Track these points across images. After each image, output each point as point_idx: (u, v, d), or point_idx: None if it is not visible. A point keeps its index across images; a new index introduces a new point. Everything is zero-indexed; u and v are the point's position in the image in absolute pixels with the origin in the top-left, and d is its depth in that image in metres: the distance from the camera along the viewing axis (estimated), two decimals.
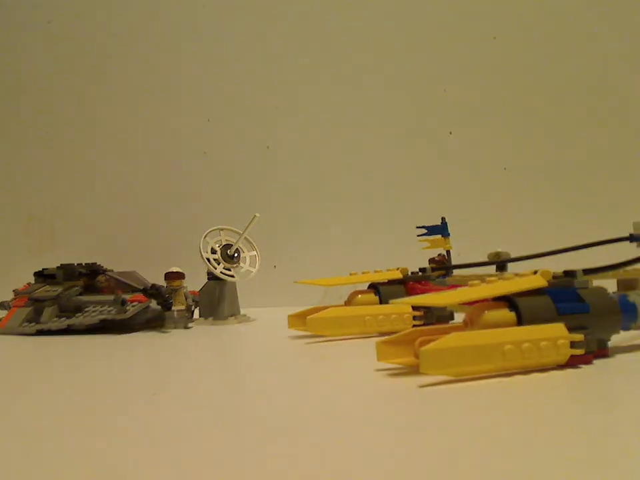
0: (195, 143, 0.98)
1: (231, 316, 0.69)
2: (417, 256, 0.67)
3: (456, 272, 0.64)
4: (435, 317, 0.52)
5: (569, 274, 0.37)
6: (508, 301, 0.35)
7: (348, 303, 0.55)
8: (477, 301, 0.36)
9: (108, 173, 1.01)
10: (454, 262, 0.68)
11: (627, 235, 0.58)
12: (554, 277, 0.37)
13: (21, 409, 0.32)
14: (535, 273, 0.37)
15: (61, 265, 0.72)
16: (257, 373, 0.41)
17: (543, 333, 0.33)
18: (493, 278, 0.37)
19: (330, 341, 0.51)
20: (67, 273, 0.71)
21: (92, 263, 0.73)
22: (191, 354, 0.51)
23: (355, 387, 0.34)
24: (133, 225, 0.98)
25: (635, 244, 0.57)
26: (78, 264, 0.73)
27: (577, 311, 0.35)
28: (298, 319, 0.53)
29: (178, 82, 0.99)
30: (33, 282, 0.73)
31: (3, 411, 0.32)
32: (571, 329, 0.34)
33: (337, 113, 0.95)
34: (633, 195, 0.84)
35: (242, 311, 0.72)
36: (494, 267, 0.64)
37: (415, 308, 0.51)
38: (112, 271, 0.72)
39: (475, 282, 0.36)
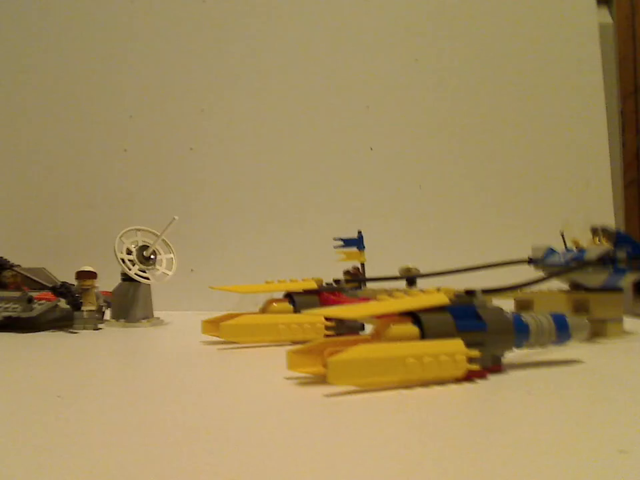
0: (115, 139, 0.96)
1: (144, 318, 0.68)
2: (332, 267, 0.69)
3: (368, 285, 0.67)
4: (346, 328, 0.54)
5: (469, 293, 0.40)
6: (413, 316, 0.38)
7: (263, 310, 0.56)
8: (384, 315, 0.38)
9: (22, 163, 0.97)
10: (368, 275, 0.70)
11: (526, 258, 0.63)
12: (456, 295, 0.39)
13: None
14: (439, 290, 0.39)
15: None
16: (165, 377, 0.41)
17: (443, 348, 0.36)
18: (400, 293, 0.39)
19: (243, 347, 0.51)
20: None
21: None
22: (98, 356, 0.50)
23: (263, 393, 0.35)
24: (44, 219, 0.94)
25: (532, 266, 0.62)
26: None
27: (474, 328, 0.38)
28: (212, 325, 0.53)
29: (101, 75, 0.97)
30: None
31: None
32: (468, 345, 0.37)
33: (256, 118, 0.95)
34: (536, 218, 0.90)
35: (156, 314, 0.71)
36: (404, 281, 0.67)
37: (327, 318, 0.52)
38: (19, 266, 0.69)
39: (383, 297, 0.38)
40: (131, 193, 0.95)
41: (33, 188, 0.96)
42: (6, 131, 0.97)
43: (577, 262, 0.56)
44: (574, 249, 0.59)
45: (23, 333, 0.60)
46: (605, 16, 1.01)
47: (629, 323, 0.65)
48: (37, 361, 0.47)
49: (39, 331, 0.61)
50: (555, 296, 0.57)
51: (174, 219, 0.69)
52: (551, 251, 0.61)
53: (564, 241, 0.60)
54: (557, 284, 0.60)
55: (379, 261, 0.76)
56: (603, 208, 0.91)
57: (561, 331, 0.42)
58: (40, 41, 0.97)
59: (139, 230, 0.71)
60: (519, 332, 0.40)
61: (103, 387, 0.37)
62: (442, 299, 0.38)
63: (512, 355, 0.42)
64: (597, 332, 0.57)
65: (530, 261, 0.62)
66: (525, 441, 0.25)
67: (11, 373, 0.41)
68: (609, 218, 0.90)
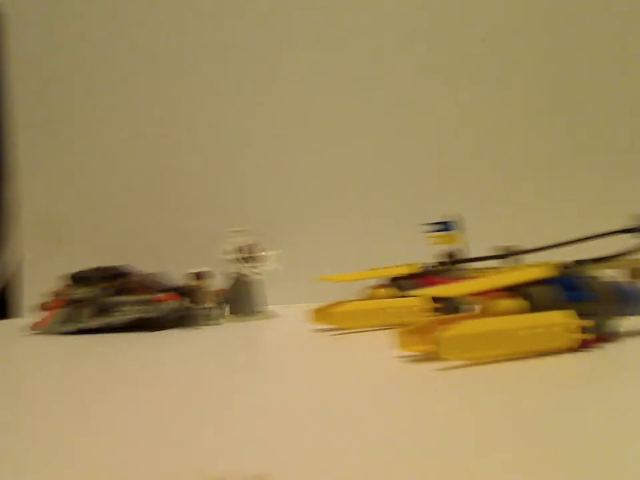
0: (209, 144, 1.01)
1: (258, 312, 0.73)
2: (427, 252, 0.69)
3: (472, 265, 0.67)
4: (455, 309, 0.54)
5: (579, 263, 0.40)
6: (520, 290, 0.38)
7: (370, 297, 0.58)
8: (492, 290, 0.39)
9: (132, 183, 1.04)
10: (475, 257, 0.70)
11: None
12: (565, 267, 0.39)
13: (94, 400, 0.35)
14: (547, 264, 0.40)
15: (96, 267, 0.75)
16: (290, 360, 0.44)
17: (554, 319, 0.36)
18: (505, 269, 0.39)
19: (353, 332, 0.54)
20: (102, 274, 0.74)
21: (124, 265, 0.76)
22: (227, 349, 0.54)
23: (378, 370, 0.37)
24: (163, 228, 1.01)
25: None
26: (111, 266, 0.76)
27: (585, 298, 0.38)
28: (322, 313, 0.56)
29: (189, 90, 1.03)
30: (68, 284, 0.77)
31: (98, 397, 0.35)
32: (580, 315, 0.37)
33: (342, 114, 0.98)
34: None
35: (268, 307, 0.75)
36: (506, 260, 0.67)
37: (434, 299, 0.53)
38: (143, 272, 0.75)
39: (488, 273, 0.39)
40: (231, 195, 0.99)
41: (149, 203, 1.03)
42: (118, 148, 1.05)
43: None
44: None
45: (153, 331, 0.66)
46: None
47: None
48: (178, 353, 0.52)
49: (166, 329, 0.67)
50: None
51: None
52: None
53: None
54: None
55: (479, 243, 0.76)
56: None
57: None
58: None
59: (242, 230, 0.75)
60: (633, 300, 0.40)
61: (233, 373, 0.40)
62: (547, 271, 0.39)
63: (630, 322, 0.41)
64: None
65: (636, 229, 0.59)
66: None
67: (159, 366, 0.46)
68: None
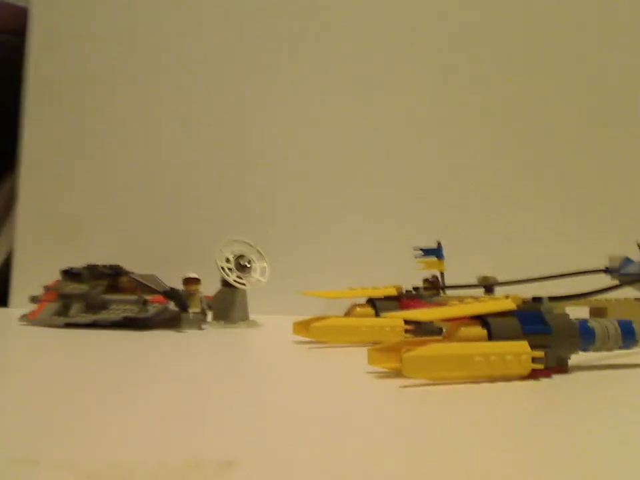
0: (212, 156, 1.05)
1: (241, 320, 0.76)
2: (412, 276, 0.73)
3: (448, 292, 0.71)
4: (424, 331, 0.58)
5: (536, 299, 0.44)
6: (482, 319, 0.42)
7: (347, 314, 0.61)
8: (455, 318, 0.42)
9: (133, 183, 1.08)
10: (447, 284, 0.74)
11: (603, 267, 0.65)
12: (523, 302, 0.43)
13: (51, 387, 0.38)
14: (507, 297, 0.43)
15: (87, 265, 0.78)
16: (262, 368, 0.48)
17: (508, 348, 0.40)
18: (470, 299, 0.43)
19: (329, 347, 0.57)
20: (93, 272, 0.77)
21: (116, 265, 0.79)
22: (204, 351, 0.58)
23: (345, 383, 0.40)
24: (154, 232, 1.05)
25: (609, 276, 0.64)
26: (103, 265, 0.79)
27: (539, 331, 0.42)
28: (302, 326, 0.59)
29: (199, 96, 1.06)
30: (60, 279, 0.79)
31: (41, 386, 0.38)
32: (533, 347, 0.40)
33: (342, 127, 1.02)
34: (617, 228, 0.90)
35: (251, 317, 0.79)
36: (482, 289, 0.71)
37: (406, 322, 0.57)
38: (133, 273, 0.78)
39: (455, 302, 0.43)
40: (229, 205, 1.03)
41: (144, 204, 1.07)
42: (118, 151, 1.08)
43: None
44: None
45: (138, 331, 0.69)
46: None
47: None
48: (155, 353, 0.55)
49: (151, 330, 0.70)
50: (630, 304, 0.59)
51: (267, 231, 0.76)
52: (628, 261, 0.62)
53: None
54: (634, 293, 0.62)
55: (458, 271, 0.79)
56: None
57: (627, 336, 0.45)
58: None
59: (236, 241, 0.78)
60: (584, 336, 0.43)
61: (207, 377, 0.43)
62: (509, 305, 0.42)
63: (584, 358, 0.45)
64: None
65: (606, 270, 0.63)
66: (571, 433, 0.29)
67: (133, 362, 0.49)
68: None
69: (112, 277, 0.77)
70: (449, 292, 0.71)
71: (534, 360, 0.40)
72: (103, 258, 0.83)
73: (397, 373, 0.41)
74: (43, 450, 0.24)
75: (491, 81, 1.00)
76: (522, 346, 0.40)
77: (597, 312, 0.59)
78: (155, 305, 0.69)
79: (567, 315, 0.44)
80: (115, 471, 0.22)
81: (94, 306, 0.72)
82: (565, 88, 0.98)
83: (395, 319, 0.56)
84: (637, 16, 0.98)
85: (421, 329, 0.58)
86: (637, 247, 0.62)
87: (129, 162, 1.08)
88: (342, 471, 0.22)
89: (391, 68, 1.02)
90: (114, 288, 0.76)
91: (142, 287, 0.75)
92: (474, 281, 0.72)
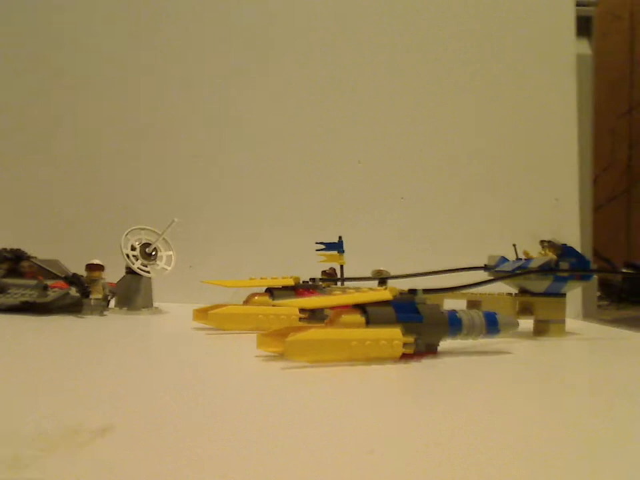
0: (125, 145, 1.04)
1: (144, 307, 0.77)
2: (314, 268, 0.77)
3: (345, 284, 0.75)
4: (317, 319, 0.62)
5: (411, 291, 0.48)
6: (361, 308, 0.46)
7: (246, 302, 0.64)
8: (338, 306, 0.46)
9: (39, 165, 1.05)
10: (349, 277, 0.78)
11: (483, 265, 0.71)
12: (400, 293, 0.48)
13: None
14: (385, 289, 0.48)
15: None
16: (159, 353, 0.50)
17: (382, 334, 0.44)
18: (352, 290, 0.47)
19: (226, 333, 0.60)
20: None
21: (17, 249, 0.78)
22: (103, 336, 0.59)
23: (234, 365, 0.43)
24: (59, 217, 1.03)
25: (487, 272, 0.70)
26: (3, 248, 0.78)
27: (412, 319, 0.46)
28: (201, 313, 0.61)
29: (111, 81, 1.06)
30: None
31: None
32: (406, 333, 0.45)
33: (251, 130, 1.04)
34: (509, 231, 0.98)
35: (155, 305, 0.80)
36: (376, 282, 0.75)
37: (300, 310, 0.60)
38: (35, 257, 0.78)
39: (338, 292, 0.46)
40: (137, 195, 1.03)
41: (49, 190, 1.05)
42: (24, 135, 1.06)
43: (521, 269, 0.64)
44: (523, 258, 0.67)
45: (38, 316, 0.69)
46: (584, 47, 1.09)
47: (590, 327, 0.74)
48: (51, 340, 0.56)
49: (52, 315, 0.70)
50: (503, 298, 0.65)
51: (174, 220, 0.77)
52: (503, 260, 0.69)
53: (515, 252, 0.68)
54: (508, 289, 0.69)
55: (357, 265, 0.84)
56: (570, 224, 0.99)
57: (491, 326, 0.50)
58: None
59: (142, 229, 0.79)
60: (452, 325, 0.48)
61: (104, 363, 0.45)
62: (386, 295, 0.47)
63: (454, 345, 0.50)
64: (541, 331, 0.66)
65: (485, 268, 0.70)
66: (428, 410, 0.34)
67: (26, 347, 0.50)
68: (575, 234, 0.98)
69: (12, 261, 0.76)
70: (346, 284, 0.75)
71: (405, 345, 0.44)
72: (4, 242, 0.82)
73: (283, 357, 0.44)
74: None
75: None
76: (395, 332, 0.44)
77: (473, 304, 0.65)
78: (56, 290, 0.69)
79: (438, 305, 0.49)
80: None
81: None
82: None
83: (289, 307, 0.60)
84: None
85: (315, 317, 0.61)
86: (512, 248, 0.69)
87: (37, 145, 1.06)
88: (218, 441, 0.25)
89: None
90: (14, 272, 0.75)
91: (43, 272, 0.75)
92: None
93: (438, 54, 1.04)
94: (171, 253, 0.80)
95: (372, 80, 1.04)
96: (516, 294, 0.66)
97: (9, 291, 0.71)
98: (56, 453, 0.22)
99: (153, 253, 0.79)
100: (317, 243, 0.78)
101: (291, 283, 0.65)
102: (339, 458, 0.23)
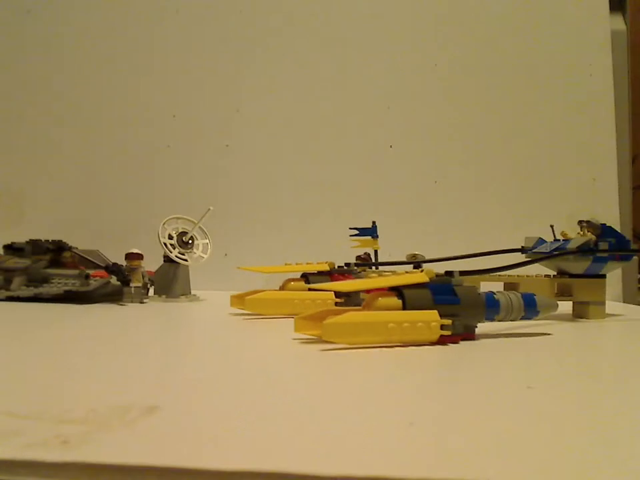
0: (160, 136, 1.06)
1: (182, 295, 0.78)
2: (348, 253, 0.77)
3: (380, 269, 0.75)
4: (353, 303, 0.62)
5: (448, 273, 0.48)
6: (398, 291, 0.46)
7: (282, 288, 0.65)
8: (374, 290, 0.46)
9: (78, 158, 1.08)
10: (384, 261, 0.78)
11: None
12: (436, 275, 0.47)
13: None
14: (421, 271, 0.47)
15: (29, 239, 0.79)
16: (198, 337, 0.51)
17: (419, 316, 0.44)
18: (388, 273, 0.47)
19: (263, 318, 0.60)
20: (35, 247, 0.78)
21: (58, 240, 0.80)
22: (144, 322, 0.60)
23: (273, 347, 0.44)
24: (99, 208, 1.06)
25: (524, 255, 0.69)
26: (45, 240, 0.80)
27: (449, 302, 0.46)
28: (238, 299, 0.62)
29: (148, 79, 1.07)
30: (2, 254, 0.80)
31: None
32: (443, 315, 0.45)
33: (283, 118, 1.04)
34: (545, 213, 0.96)
35: (193, 292, 0.81)
36: (411, 266, 0.75)
37: (336, 294, 0.61)
38: (77, 248, 0.80)
39: (374, 276, 0.47)
40: (174, 185, 1.05)
41: (89, 181, 1.07)
42: (65, 129, 1.08)
43: (559, 250, 0.63)
44: (561, 239, 0.66)
45: (81, 304, 0.70)
46: (619, 23, 1.06)
47: (630, 309, 0.73)
48: (93, 325, 0.57)
49: (94, 303, 0.72)
50: (541, 280, 0.64)
51: (209, 209, 0.78)
52: (541, 241, 0.68)
53: (553, 233, 0.67)
54: (546, 271, 0.68)
55: (392, 249, 0.84)
56: (608, 205, 0.97)
57: (530, 307, 0.49)
58: (87, 48, 1.08)
59: (179, 218, 0.80)
60: (489, 306, 0.48)
61: (148, 347, 0.46)
62: (422, 278, 0.46)
63: (493, 327, 0.50)
64: (580, 313, 0.65)
65: (522, 250, 0.69)
66: (468, 389, 0.34)
67: (72, 333, 0.52)
68: (613, 214, 0.96)
69: (55, 252, 0.78)
70: (381, 268, 0.75)
71: (443, 327, 0.44)
72: (47, 233, 0.84)
73: (320, 339, 0.45)
74: None
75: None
76: (432, 314, 0.44)
77: (510, 287, 0.64)
78: (97, 279, 0.71)
79: (475, 287, 0.48)
80: (47, 414, 0.25)
81: (36, 280, 0.73)
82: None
83: (325, 291, 0.60)
84: None
85: (351, 301, 0.62)
86: (549, 229, 0.68)
87: (75, 138, 1.08)
88: (261, 418, 0.26)
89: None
90: (57, 263, 0.77)
91: (84, 261, 0.77)
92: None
93: (474, 34, 1.02)
94: (207, 241, 0.82)
95: (404, 62, 1.03)
96: (554, 276, 0.65)
97: (52, 281, 0.73)
98: (106, 430, 0.23)
99: (190, 242, 0.80)
100: (350, 229, 0.78)
101: (326, 268, 0.66)
102: (381, 430, 0.24)
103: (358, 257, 0.74)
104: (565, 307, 0.62)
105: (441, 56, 1.03)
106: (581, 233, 0.66)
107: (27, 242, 0.79)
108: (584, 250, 0.62)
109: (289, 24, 1.05)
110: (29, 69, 1.09)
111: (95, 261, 0.76)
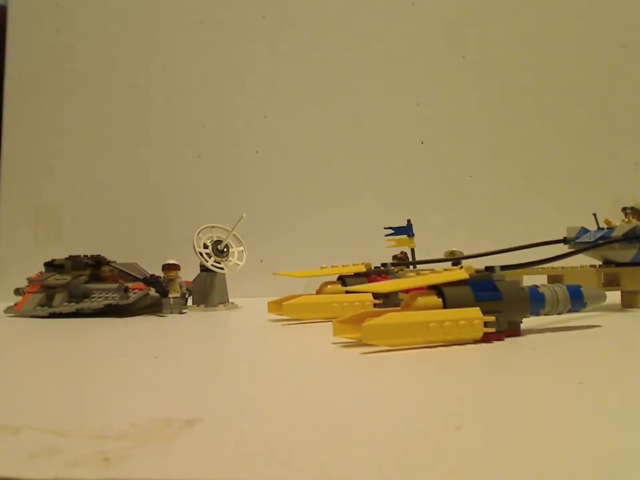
0: (191, 147, 1.07)
1: (220, 303, 0.78)
2: (384, 253, 0.76)
3: (417, 267, 0.73)
4: (392, 304, 0.61)
5: (488, 269, 0.47)
6: (437, 289, 0.45)
7: (319, 292, 0.64)
8: (412, 289, 0.45)
9: (112, 174, 1.09)
10: (422, 259, 0.77)
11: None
12: (476, 271, 0.46)
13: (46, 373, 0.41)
14: (461, 268, 0.46)
15: (69, 256, 0.80)
16: (240, 345, 0.50)
17: (461, 314, 0.43)
18: (426, 271, 0.46)
19: (302, 323, 0.60)
20: (75, 263, 0.79)
21: (97, 255, 0.81)
22: (185, 333, 0.60)
23: (314, 352, 0.43)
24: (134, 221, 1.07)
25: (567, 245, 0.67)
26: (84, 255, 0.81)
27: (491, 298, 0.44)
28: (276, 305, 0.62)
29: (179, 91, 1.08)
30: (43, 271, 0.82)
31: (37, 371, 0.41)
32: (486, 312, 0.43)
33: (317, 122, 1.04)
34: (580, 201, 0.93)
35: (231, 300, 0.81)
36: (450, 263, 0.74)
37: (374, 296, 0.60)
38: (115, 262, 0.81)
39: (412, 275, 0.45)
40: (206, 194, 1.05)
41: (124, 196, 1.09)
42: (100, 147, 1.10)
43: (604, 239, 0.60)
44: (605, 227, 0.64)
45: (121, 317, 0.71)
46: None
47: None
48: (137, 337, 0.58)
49: (134, 316, 0.72)
50: (586, 271, 0.62)
51: (242, 216, 0.78)
52: (584, 231, 0.66)
53: (596, 221, 0.65)
54: (591, 261, 0.65)
55: (429, 247, 0.82)
56: None
57: (576, 299, 0.48)
58: (119, 56, 1.09)
59: (213, 227, 0.81)
60: (534, 300, 0.46)
61: (189, 358, 0.46)
62: (462, 275, 0.45)
63: (538, 321, 0.48)
64: (629, 303, 0.62)
65: (564, 240, 0.67)
66: (517, 388, 0.32)
67: (118, 345, 0.52)
68: None
69: (94, 267, 0.79)
70: (419, 267, 0.74)
71: (486, 324, 0.43)
72: (85, 249, 0.86)
73: (360, 342, 0.44)
74: (27, 417, 0.27)
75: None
76: (474, 312, 0.43)
77: (555, 279, 0.62)
78: (136, 291, 0.72)
79: (518, 281, 0.47)
80: (88, 430, 0.24)
81: (77, 295, 0.74)
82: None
83: (363, 293, 0.59)
84: None
85: (389, 302, 0.61)
86: (592, 218, 0.66)
87: (109, 154, 1.10)
88: (306, 427, 0.25)
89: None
90: (96, 277, 0.78)
91: (123, 275, 0.78)
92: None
93: (504, 22, 1.00)
94: (242, 248, 0.82)
95: (435, 58, 1.02)
96: (600, 265, 0.63)
97: (93, 296, 0.74)
98: (147, 443, 0.23)
99: (225, 250, 0.80)
100: (385, 228, 0.77)
101: (362, 269, 0.65)
102: (427, 433, 0.23)
103: (394, 257, 0.73)
104: (614, 297, 0.60)
105: (470, 47, 1.01)
106: (626, 219, 0.63)
107: (66, 258, 0.80)
108: (630, 237, 0.59)
109: (316, 28, 1.05)
110: (69, 92, 1.11)
111: (133, 274, 0.77)
